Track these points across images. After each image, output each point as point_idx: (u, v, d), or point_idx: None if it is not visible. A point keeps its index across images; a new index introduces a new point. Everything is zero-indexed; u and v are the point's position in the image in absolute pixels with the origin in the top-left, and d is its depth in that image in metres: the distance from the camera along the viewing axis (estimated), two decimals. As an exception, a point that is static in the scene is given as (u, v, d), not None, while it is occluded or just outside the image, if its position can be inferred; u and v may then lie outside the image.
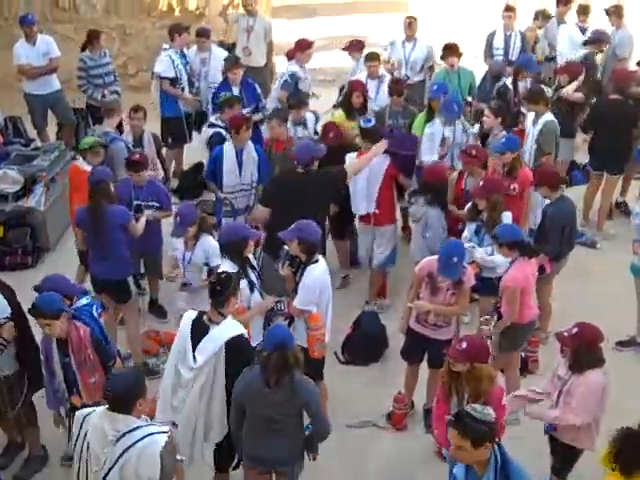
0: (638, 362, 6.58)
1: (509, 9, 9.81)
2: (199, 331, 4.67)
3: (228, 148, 6.97)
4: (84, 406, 4.46)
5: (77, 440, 3.96)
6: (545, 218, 6.46)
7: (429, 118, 7.65)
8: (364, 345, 6.67)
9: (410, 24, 9.42)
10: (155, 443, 3.78)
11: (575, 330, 4.69)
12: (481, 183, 6.40)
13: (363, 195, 6.96)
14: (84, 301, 5.03)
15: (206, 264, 5.92)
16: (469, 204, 6.49)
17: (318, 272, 5.31)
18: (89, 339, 4.78)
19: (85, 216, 6.17)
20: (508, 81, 8.72)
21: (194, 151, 9.17)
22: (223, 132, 7.39)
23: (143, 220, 6.40)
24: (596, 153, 8.37)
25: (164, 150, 8.72)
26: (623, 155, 8.26)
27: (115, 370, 4.73)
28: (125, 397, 3.82)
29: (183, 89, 8.96)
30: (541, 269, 6.41)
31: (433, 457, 5.56)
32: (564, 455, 4.96)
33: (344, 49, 9.31)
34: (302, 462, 4.66)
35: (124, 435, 3.77)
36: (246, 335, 4.76)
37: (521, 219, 6.77)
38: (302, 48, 8.80)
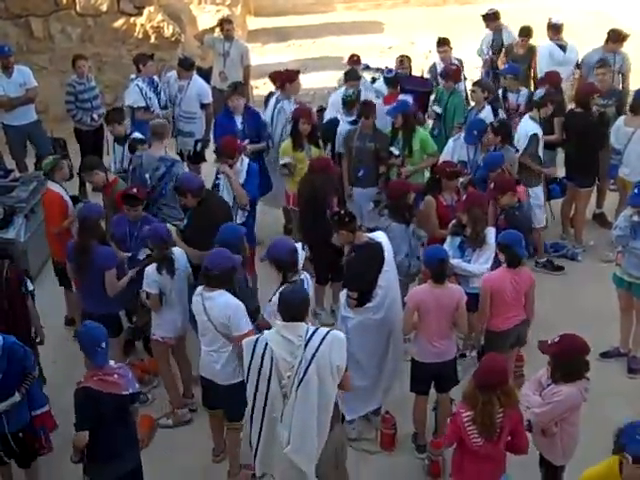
0: (624, 373, 6.60)
1: (442, 43, 9.44)
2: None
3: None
4: None
5: (252, 360, 4.46)
6: (513, 221, 6.44)
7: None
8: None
9: (402, 62, 8.99)
10: (338, 335, 4.53)
11: (556, 339, 4.74)
12: (464, 197, 6.45)
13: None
14: None
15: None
16: (454, 220, 6.45)
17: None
18: None
19: (72, 252, 6.13)
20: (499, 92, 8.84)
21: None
22: None
23: (125, 279, 6.16)
24: (566, 166, 8.44)
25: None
26: (591, 168, 8.19)
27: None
28: (302, 306, 4.52)
29: (157, 115, 8.82)
30: None
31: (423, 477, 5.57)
32: (546, 467, 5.01)
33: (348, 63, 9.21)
34: None
35: (310, 339, 4.40)
36: None
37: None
38: (289, 79, 8.40)
